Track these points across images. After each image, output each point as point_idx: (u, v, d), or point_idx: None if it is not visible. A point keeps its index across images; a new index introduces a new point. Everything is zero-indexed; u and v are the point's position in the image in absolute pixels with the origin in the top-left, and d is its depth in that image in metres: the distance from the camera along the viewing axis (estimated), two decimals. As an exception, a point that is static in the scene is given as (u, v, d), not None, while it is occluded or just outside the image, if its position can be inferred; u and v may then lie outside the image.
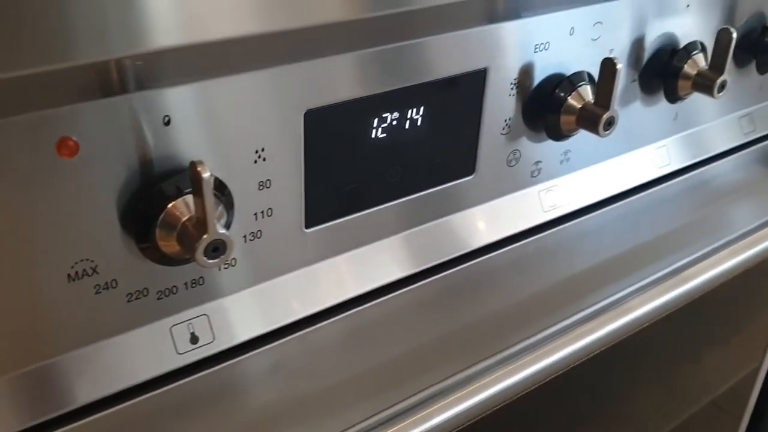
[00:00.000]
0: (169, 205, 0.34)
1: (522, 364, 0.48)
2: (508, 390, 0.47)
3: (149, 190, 0.34)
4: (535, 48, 0.47)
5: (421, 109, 0.44)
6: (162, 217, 0.34)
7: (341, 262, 0.45)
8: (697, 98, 0.60)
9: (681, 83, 0.55)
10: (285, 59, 0.37)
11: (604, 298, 0.54)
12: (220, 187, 0.37)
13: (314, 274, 0.44)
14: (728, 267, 0.58)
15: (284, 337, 0.43)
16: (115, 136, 0.33)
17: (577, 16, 0.48)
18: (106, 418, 0.37)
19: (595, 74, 0.48)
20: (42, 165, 0.31)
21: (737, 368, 0.89)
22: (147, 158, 0.34)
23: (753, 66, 0.63)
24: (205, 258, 0.34)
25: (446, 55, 0.43)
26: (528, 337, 0.50)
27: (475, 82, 0.45)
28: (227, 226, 0.37)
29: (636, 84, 0.55)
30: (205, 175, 0.32)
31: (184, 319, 0.39)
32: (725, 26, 0.53)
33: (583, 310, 0.53)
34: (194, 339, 0.40)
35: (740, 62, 0.62)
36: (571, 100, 0.48)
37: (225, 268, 0.40)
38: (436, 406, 0.44)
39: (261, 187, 0.39)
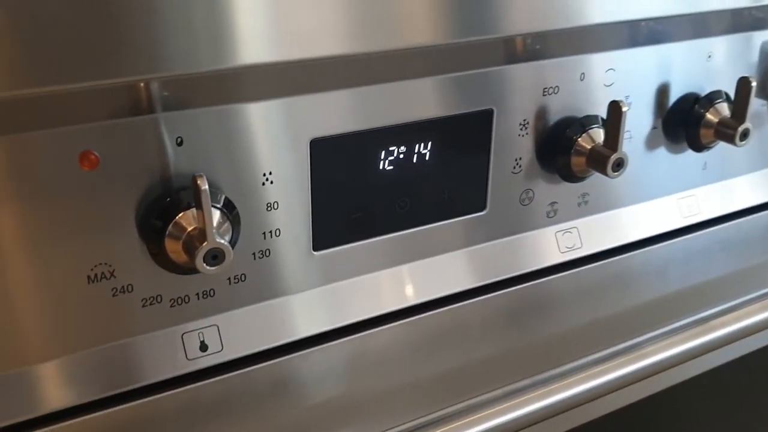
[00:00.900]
0: (177, 216, 0.38)
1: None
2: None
3: (161, 203, 0.38)
4: (544, 91, 0.49)
5: (429, 144, 0.47)
6: (171, 227, 0.38)
7: (348, 286, 0.47)
8: (729, 149, 0.60)
9: (703, 131, 0.56)
10: (294, 90, 0.41)
11: (619, 344, 0.54)
12: (228, 206, 0.40)
13: (321, 296, 0.46)
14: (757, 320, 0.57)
15: (288, 354, 0.46)
16: (132, 152, 0.37)
17: (587, 62, 0.50)
18: (112, 415, 0.41)
19: (607, 118, 0.50)
20: (65, 175, 0.36)
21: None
22: (161, 174, 0.38)
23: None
24: (204, 264, 0.37)
25: (452, 94, 0.46)
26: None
27: (481, 122, 0.48)
28: (234, 241, 0.41)
29: (659, 132, 0.56)
30: (204, 187, 0.36)
31: (195, 328, 0.43)
32: (745, 75, 0.54)
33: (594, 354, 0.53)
34: (204, 347, 0.43)
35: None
36: (582, 142, 0.50)
37: (235, 282, 0.43)
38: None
39: (269, 209, 0.43)
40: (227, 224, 0.40)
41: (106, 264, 0.39)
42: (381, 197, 0.46)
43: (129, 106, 0.37)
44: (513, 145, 0.50)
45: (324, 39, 0.38)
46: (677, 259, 0.61)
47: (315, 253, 0.45)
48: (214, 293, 0.43)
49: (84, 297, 0.39)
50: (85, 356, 0.40)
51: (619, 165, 0.49)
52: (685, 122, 0.56)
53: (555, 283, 0.55)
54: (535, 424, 0.49)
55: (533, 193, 0.52)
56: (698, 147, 0.57)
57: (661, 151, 0.57)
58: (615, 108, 0.48)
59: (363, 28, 0.39)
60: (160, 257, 0.39)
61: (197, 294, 0.42)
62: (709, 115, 0.55)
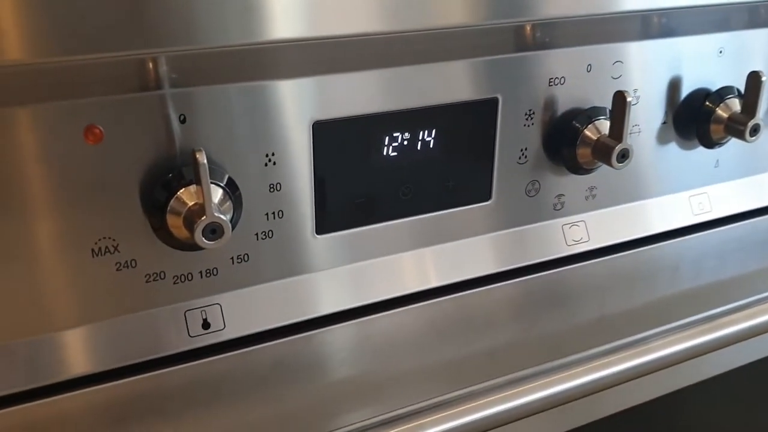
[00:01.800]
0: (179, 192, 0.39)
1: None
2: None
3: (163, 178, 0.39)
4: (550, 81, 0.49)
5: (433, 131, 0.47)
6: (172, 201, 0.39)
7: (351, 271, 0.48)
8: (743, 148, 0.59)
9: (713, 127, 0.55)
10: (299, 72, 0.42)
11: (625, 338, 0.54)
12: (231, 185, 0.41)
13: (323, 279, 0.47)
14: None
15: (291, 335, 0.46)
16: (136, 128, 0.38)
17: (593, 53, 0.50)
18: (116, 389, 0.42)
19: (613, 110, 0.50)
20: (70, 148, 0.37)
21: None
22: (164, 150, 0.39)
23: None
24: (203, 238, 0.38)
25: (458, 81, 0.47)
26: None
27: (487, 110, 0.48)
28: (235, 221, 0.42)
29: (669, 127, 0.56)
30: (203, 161, 0.37)
31: (198, 306, 0.44)
32: (755, 70, 0.53)
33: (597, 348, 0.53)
34: (206, 325, 0.44)
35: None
36: (588, 132, 0.50)
37: (238, 262, 0.44)
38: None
39: (272, 190, 0.43)
40: (229, 203, 0.41)
41: (110, 238, 0.40)
42: (384, 183, 0.47)
43: (136, 81, 0.38)
44: (519, 135, 0.50)
45: (338, 19, 0.39)
46: (688, 257, 0.60)
47: (318, 236, 0.46)
48: (217, 272, 0.44)
49: (88, 270, 0.40)
50: (89, 330, 0.41)
51: (624, 156, 0.49)
52: (695, 117, 0.56)
53: (562, 276, 0.55)
54: (538, 413, 0.49)
55: (539, 185, 0.52)
56: (709, 143, 0.57)
57: (672, 147, 0.57)
58: (620, 98, 0.48)
59: (382, 9, 0.40)
60: (163, 232, 0.40)
61: (200, 272, 0.43)
62: (719, 111, 0.55)
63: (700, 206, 0.60)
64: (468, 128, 0.48)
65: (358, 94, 0.44)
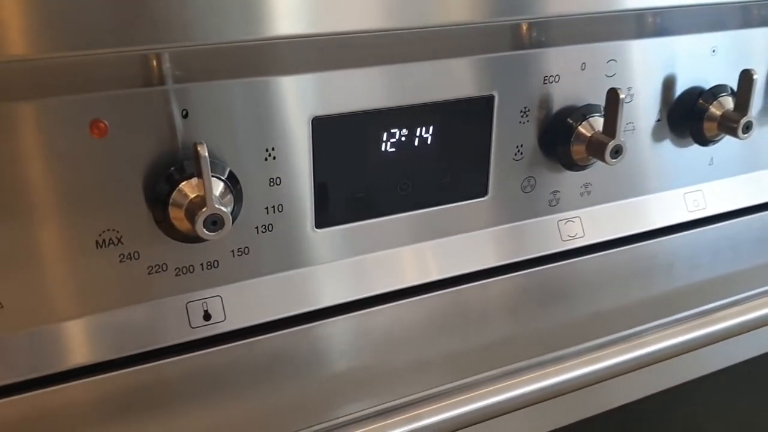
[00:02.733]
0: (181, 184, 0.40)
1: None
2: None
3: (166, 171, 0.40)
4: (545, 79, 0.50)
5: (431, 127, 0.48)
6: (174, 194, 0.40)
7: (350, 265, 0.49)
8: (737, 146, 0.60)
9: (707, 125, 0.56)
10: (298, 68, 0.43)
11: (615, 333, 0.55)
12: (232, 179, 0.42)
13: (323, 273, 0.48)
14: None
15: (292, 327, 0.47)
16: (140, 122, 0.39)
17: (588, 51, 0.51)
18: (118, 378, 0.43)
19: (608, 107, 0.51)
20: (76, 142, 0.38)
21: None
22: (167, 144, 0.40)
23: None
24: (204, 229, 0.39)
25: (455, 78, 0.48)
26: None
27: (483, 107, 0.49)
28: (236, 214, 0.42)
29: (664, 125, 0.57)
30: (204, 154, 0.38)
31: (200, 298, 0.45)
32: (747, 68, 0.54)
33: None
34: (207, 316, 0.45)
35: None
36: (582, 129, 0.51)
37: (239, 255, 0.45)
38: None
39: (272, 184, 0.44)
40: (230, 196, 0.41)
41: (114, 230, 0.41)
42: (382, 179, 0.48)
43: (140, 77, 0.39)
44: (514, 131, 0.51)
45: (338, 16, 0.40)
46: (683, 253, 0.61)
47: (317, 230, 0.47)
48: (218, 264, 0.45)
49: (92, 262, 0.41)
50: (92, 320, 0.42)
51: (618, 152, 0.50)
52: (689, 115, 0.57)
53: (557, 272, 0.56)
54: (533, 404, 0.50)
55: (535, 181, 0.53)
56: (703, 141, 0.58)
57: (667, 144, 0.58)
58: (613, 95, 0.49)
59: (382, 6, 0.41)
60: (165, 225, 0.41)
61: (202, 264, 0.44)
62: (712, 108, 0.56)
63: (695, 203, 0.61)
64: (465, 125, 0.49)
65: (358, 90, 0.45)
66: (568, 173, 0.54)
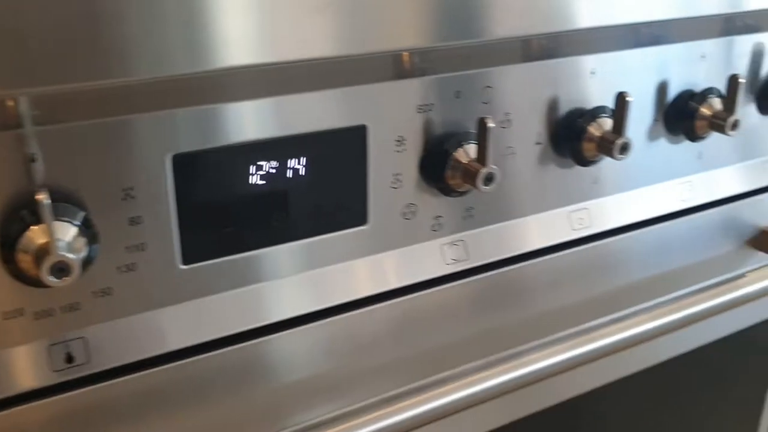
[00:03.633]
0: (30, 229, 0.39)
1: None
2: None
3: (17, 215, 0.39)
4: (419, 108, 0.51)
5: (303, 159, 0.48)
6: (23, 239, 0.39)
7: (221, 300, 0.48)
8: (620, 165, 0.62)
9: (586, 145, 0.57)
10: (154, 105, 0.42)
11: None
12: (86, 222, 0.41)
13: (193, 309, 0.47)
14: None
15: (162, 365, 0.46)
16: (-10, 166, 0.38)
17: (462, 79, 0.52)
18: None
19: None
20: None
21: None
22: (20, 187, 0.39)
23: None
24: (50, 277, 0.38)
25: (325, 109, 0.47)
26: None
27: (356, 138, 0.49)
28: (91, 257, 0.42)
29: (546, 147, 0.58)
30: (44, 200, 0.37)
31: (62, 340, 0.44)
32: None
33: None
34: (70, 359, 0.44)
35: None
36: (457, 156, 0.51)
37: (101, 296, 0.44)
38: None
39: (132, 223, 0.43)
40: (83, 239, 0.41)
41: (-39, 278, 0.40)
42: (253, 212, 0.47)
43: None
44: (391, 160, 0.51)
45: (202, 54, 0.40)
46: (567, 271, 0.62)
47: (184, 267, 0.46)
48: (79, 306, 0.44)
49: (-60, 311, 0.40)
50: (-56, 368, 0.41)
51: (489, 179, 0.50)
52: (570, 137, 0.58)
53: (444, 294, 0.56)
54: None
55: (416, 208, 0.54)
56: (583, 161, 0.58)
57: (550, 166, 0.59)
58: (481, 124, 0.49)
59: (248, 41, 0.41)
60: (14, 269, 0.40)
61: (61, 307, 0.43)
62: (591, 129, 0.57)
63: (580, 221, 0.62)
64: (339, 156, 0.49)
65: (220, 125, 0.44)
66: (449, 198, 0.54)
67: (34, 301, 0.42)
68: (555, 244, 0.61)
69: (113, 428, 0.46)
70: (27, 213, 0.39)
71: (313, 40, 0.43)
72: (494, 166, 0.50)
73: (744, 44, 0.65)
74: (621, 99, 0.55)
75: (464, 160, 0.51)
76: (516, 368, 0.53)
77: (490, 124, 0.49)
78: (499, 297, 0.59)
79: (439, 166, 0.52)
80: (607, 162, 0.60)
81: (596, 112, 0.57)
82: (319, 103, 0.47)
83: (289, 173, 0.48)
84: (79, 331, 0.44)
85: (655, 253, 0.67)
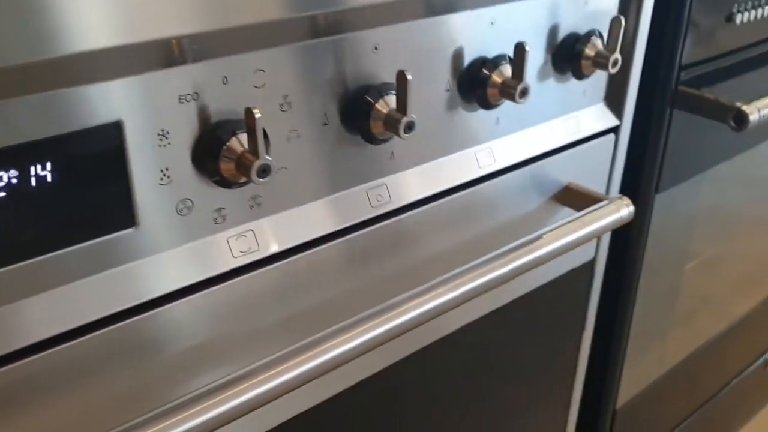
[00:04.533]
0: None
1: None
2: None
3: None
4: (180, 99, 0.47)
5: (48, 164, 0.43)
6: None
7: (-30, 324, 0.44)
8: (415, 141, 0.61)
9: (373, 123, 0.56)
10: None
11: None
12: None
13: None
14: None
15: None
16: None
17: (229, 64, 0.48)
18: None
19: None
20: None
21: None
22: None
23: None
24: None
25: (72, 108, 0.43)
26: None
27: (110, 135, 0.45)
28: None
29: (331, 127, 0.56)
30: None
31: None
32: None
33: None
34: None
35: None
36: (231, 146, 0.48)
37: None
38: None
39: None
40: None
41: None
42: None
43: None
44: (155, 155, 0.47)
45: None
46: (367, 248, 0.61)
47: None
48: None
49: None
50: None
51: (265, 171, 0.48)
52: (357, 115, 0.56)
53: (231, 289, 0.54)
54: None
55: (192, 203, 0.50)
56: (371, 139, 0.57)
57: (334, 147, 0.57)
58: (248, 114, 0.46)
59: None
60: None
61: None
62: (378, 107, 0.55)
63: (378, 199, 0.61)
64: (94, 156, 0.45)
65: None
66: (230, 190, 0.51)
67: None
68: (354, 224, 0.59)
69: None
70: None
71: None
72: (268, 158, 0.48)
73: (534, 9, 0.64)
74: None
75: (238, 150, 0.48)
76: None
77: (257, 114, 0.46)
78: (294, 287, 0.57)
79: (211, 158, 0.49)
80: (397, 141, 0.59)
81: (383, 89, 0.56)
82: (66, 101, 0.42)
83: (35, 181, 0.43)
84: None
85: (459, 221, 0.67)
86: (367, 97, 0.55)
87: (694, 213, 1.02)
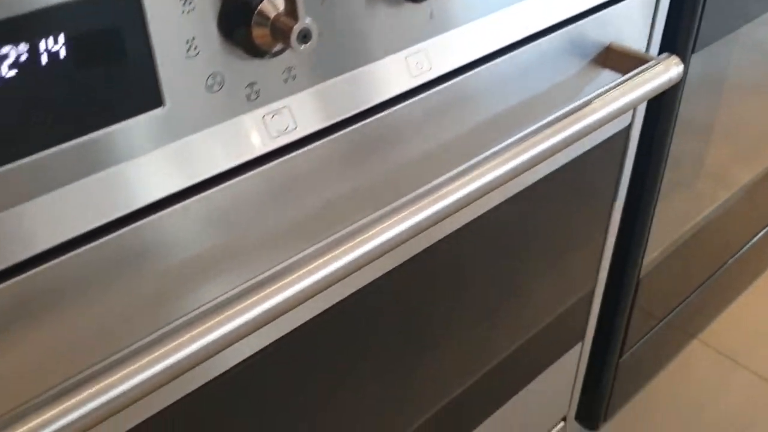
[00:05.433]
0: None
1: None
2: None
3: None
4: (203, -47, 0.40)
5: (60, 37, 0.37)
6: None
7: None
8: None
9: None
10: None
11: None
12: None
13: None
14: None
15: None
16: None
17: None
18: None
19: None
20: None
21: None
22: None
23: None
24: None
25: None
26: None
27: (128, 3, 0.39)
28: None
29: (371, -17, 0.49)
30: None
31: None
32: None
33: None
34: None
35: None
36: (263, 9, 0.42)
37: None
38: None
39: None
40: None
41: None
42: (6, 113, 0.37)
43: None
44: (179, 24, 0.41)
45: None
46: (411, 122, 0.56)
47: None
48: None
49: None
50: None
51: (306, 37, 0.42)
52: None
53: (268, 174, 0.49)
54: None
55: (223, 77, 0.45)
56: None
57: (381, 9, 0.50)
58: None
59: None
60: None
61: None
62: None
63: (418, 66, 0.55)
64: (109, 27, 0.39)
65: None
66: (265, 61, 0.45)
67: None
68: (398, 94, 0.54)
69: None
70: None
71: None
72: (309, 19, 0.41)
73: None
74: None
75: (272, 14, 0.42)
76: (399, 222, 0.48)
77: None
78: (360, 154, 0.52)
79: (242, 23, 0.42)
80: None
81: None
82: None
83: (46, 58, 0.37)
84: None
85: (511, 83, 0.61)
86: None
87: (721, 78, 0.97)
